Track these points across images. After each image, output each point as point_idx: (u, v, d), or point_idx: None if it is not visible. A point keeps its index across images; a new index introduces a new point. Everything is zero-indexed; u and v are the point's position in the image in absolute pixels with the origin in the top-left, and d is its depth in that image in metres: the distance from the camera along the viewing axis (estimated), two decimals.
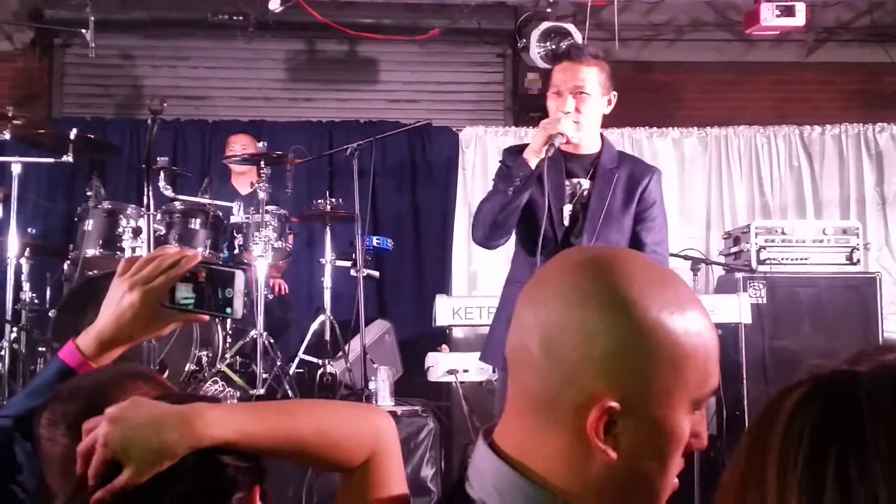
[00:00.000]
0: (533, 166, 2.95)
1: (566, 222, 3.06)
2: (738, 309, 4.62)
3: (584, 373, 0.90)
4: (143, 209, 4.32)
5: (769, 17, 5.74)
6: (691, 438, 0.95)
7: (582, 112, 3.01)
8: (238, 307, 1.38)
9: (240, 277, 1.38)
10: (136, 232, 4.52)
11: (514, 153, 3.10)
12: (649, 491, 0.94)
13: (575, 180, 3.11)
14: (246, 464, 1.09)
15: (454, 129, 6.52)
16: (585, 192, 3.09)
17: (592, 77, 3.02)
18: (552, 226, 3.00)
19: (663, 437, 0.92)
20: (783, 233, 5.02)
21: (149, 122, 3.96)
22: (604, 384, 0.89)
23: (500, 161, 3.19)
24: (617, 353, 0.89)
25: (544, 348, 0.92)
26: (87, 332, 1.37)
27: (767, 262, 4.93)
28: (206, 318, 1.44)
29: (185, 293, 1.38)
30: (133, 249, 4.49)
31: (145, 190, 3.82)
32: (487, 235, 3.03)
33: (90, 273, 4.55)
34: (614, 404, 0.88)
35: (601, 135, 3.18)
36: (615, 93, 3.11)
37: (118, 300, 1.35)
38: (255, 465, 1.11)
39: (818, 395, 0.78)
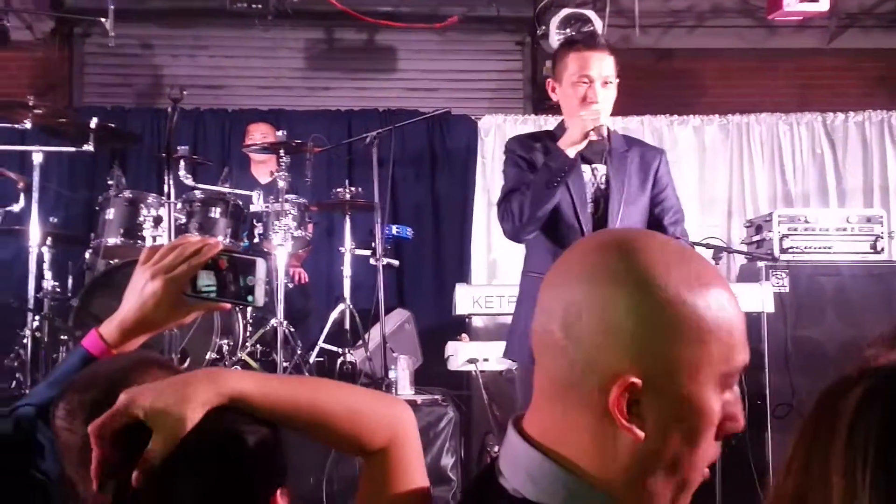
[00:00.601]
0: (572, 157, 2.95)
1: (590, 209, 3.06)
2: (760, 298, 4.58)
3: (607, 351, 0.89)
4: (163, 198, 4.33)
5: (792, 3, 5.68)
6: (727, 422, 0.93)
7: (607, 101, 3.03)
8: (259, 295, 1.38)
9: (261, 265, 1.37)
10: (157, 221, 4.53)
11: (525, 142, 3.11)
12: (679, 473, 0.92)
13: (591, 166, 3.10)
14: (270, 451, 1.09)
15: (473, 118, 6.50)
16: (603, 178, 3.09)
17: (612, 66, 3.04)
18: (576, 213, 3.00)
19: (690, 415, 0.90)
20: (806, 221, 4.96)
21: (169, 110, 3.97)
22: (627, 361, 0.89)
23: (508, 152, 3.16)
24: (639, 329, 0.89)
25: (567, 330, 0.92)
26: (111, 320, 1.37)
27: (790, 250, 4.88)
28: (228, 306, 1.44)
29: (206, 281, 1.38)
30: (154, 238, 4.51)
31: (166, 179, 3.81)
32: (522, 229, 3.01)
33: (111, 262, 4.57)
34: (636, 380, 0.88)
35: None
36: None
37: (141, 288, 1.35)
38: (280, 461, 1.11)
39: (880, 393, 0.76)
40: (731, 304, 0.93)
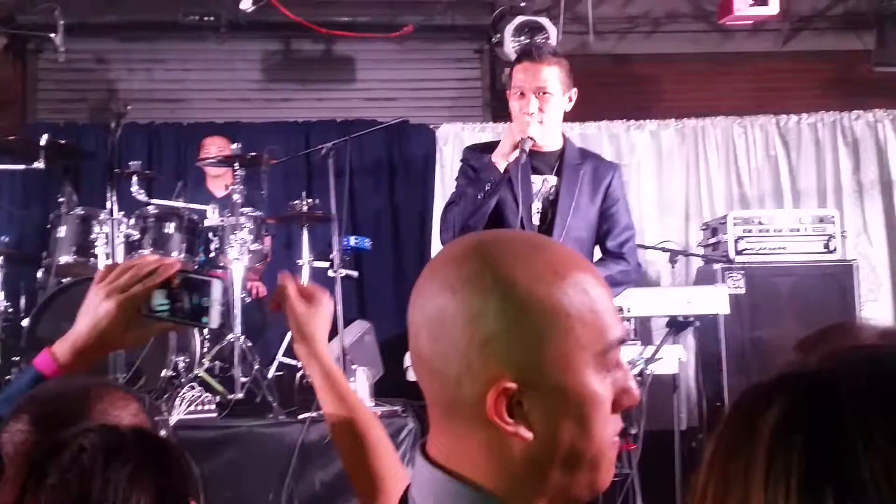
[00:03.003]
0: (502, 170, 2.98)
1: (536, 220, 3.08)
2: (716, 300, 4.60)
3: (473, 361, 0.88)
4: (117, 214, 4.29)
5: (742, 7, 5.72)
6: (622, 396, 0.92)
7: (545, 112, 3.04)
8: (215, 317, 1.38)
9: (217, 286, 1.37)
10: (110, 238, 4.48)
11: (478, 152, 3.12)
12: (582, 460, 0.91)
13: (542, 177, 3.12)
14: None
15: (431, 127, 6.49)
16: (553, 189, 3.11)
17: (553, 76, 3.04)
18: (522, 224, 3.01)
19: (574, 404, 0.89)
20: (760, 223, 5.01)
21: (112, 125, 3.93)
22: (495, 366, 0.87)
23: (462, 161, 3.19)
24: (498, 332, 0.87)
25: (433, 347, 0.91)
26: (63, 340, 1.36)
27: (745, 252, 4.93)
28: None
29: (160, 301, 1.37)
30: (107, 255, 4.45)
31: (108, 195, 3.78)
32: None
33: (64, 280, 4.51)
34: (509, 384, 0.87)
35: (562, 132, 3.21)
36: (575, 89, 3.12)
37: (95, 308, 1.34)
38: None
39: (801, 411, 0.69)
40: (591, 285, 0.91)
